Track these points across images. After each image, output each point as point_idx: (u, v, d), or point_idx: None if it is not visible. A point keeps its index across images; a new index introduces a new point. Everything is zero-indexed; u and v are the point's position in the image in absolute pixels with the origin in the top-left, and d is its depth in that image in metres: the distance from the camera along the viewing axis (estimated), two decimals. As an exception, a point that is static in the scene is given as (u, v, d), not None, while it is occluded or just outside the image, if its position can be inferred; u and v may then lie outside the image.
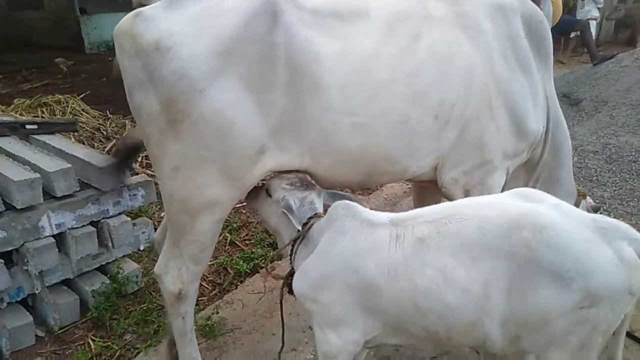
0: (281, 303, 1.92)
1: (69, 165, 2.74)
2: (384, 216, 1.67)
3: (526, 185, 2.55)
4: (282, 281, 1.89)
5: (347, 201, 1.74)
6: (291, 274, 1.83)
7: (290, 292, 1.83)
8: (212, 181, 1.81)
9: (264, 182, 2.01)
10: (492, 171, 2.21)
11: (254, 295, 3.02)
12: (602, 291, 1.32)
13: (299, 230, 1.75)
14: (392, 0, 2.05)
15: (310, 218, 1.77)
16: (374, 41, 1.88)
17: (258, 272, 3.23)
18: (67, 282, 2.89)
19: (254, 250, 3.47)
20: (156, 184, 3.92)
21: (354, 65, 1.84)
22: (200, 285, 3.24)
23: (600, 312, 1.35)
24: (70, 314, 2.79)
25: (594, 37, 9.08)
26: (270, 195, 1.88)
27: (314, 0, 1.84)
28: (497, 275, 1.41)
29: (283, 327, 2.02)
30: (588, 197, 2.73)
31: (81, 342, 2.67)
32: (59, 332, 2.73)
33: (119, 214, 2.98)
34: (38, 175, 2.59)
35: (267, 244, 3.58)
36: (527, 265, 1.37)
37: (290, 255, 1.81)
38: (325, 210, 1.81)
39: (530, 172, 2.54)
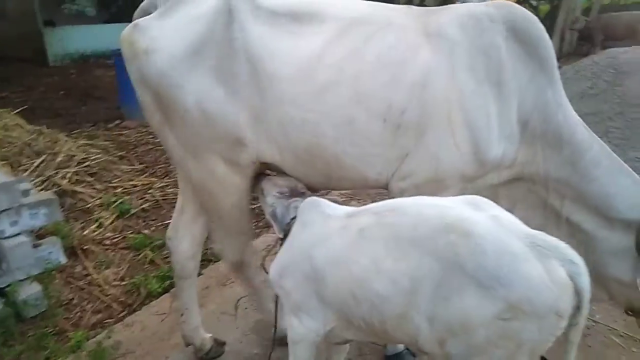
0: (275, 317, 2.05)
1: (-44, 184, 2.64)
2: (342, 210, 1.76)
3: (544, 204, 2.17)
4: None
5: (314, 197, 1.88)
6: None
7: None
8: (216, 162, 2.02)
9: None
10: (443, 190, 2.05)
11: (157, 316, 2.92)
12: (524, 305, 1.31)
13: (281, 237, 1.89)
14: (358, 7, 2.09)
15: (293, 218, 1.87)
16: (322, 42, 1.95)
17: (168, 292, 3.13)
18: (-38, 306, 2.77)
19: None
20: (60, 204, 3.81)
21: (302, 63, 1.93)
22: (109, 306, 3.15)
23: (523, 327, 1.33)
24: (-42, 340, 2.67)
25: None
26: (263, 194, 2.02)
27: (275, 1, 1.99)
28: (423, 272, 1.42)
29: (274, 344, 2.08)
30: None
31: (-34, 371, 2.55)
32: (-55, 359, 2.61)
33: (18, 234, 2.88)
34: None
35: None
36: (452, 268, 1.38)
37: None
38: None
39: (542, 191, 2.16)
